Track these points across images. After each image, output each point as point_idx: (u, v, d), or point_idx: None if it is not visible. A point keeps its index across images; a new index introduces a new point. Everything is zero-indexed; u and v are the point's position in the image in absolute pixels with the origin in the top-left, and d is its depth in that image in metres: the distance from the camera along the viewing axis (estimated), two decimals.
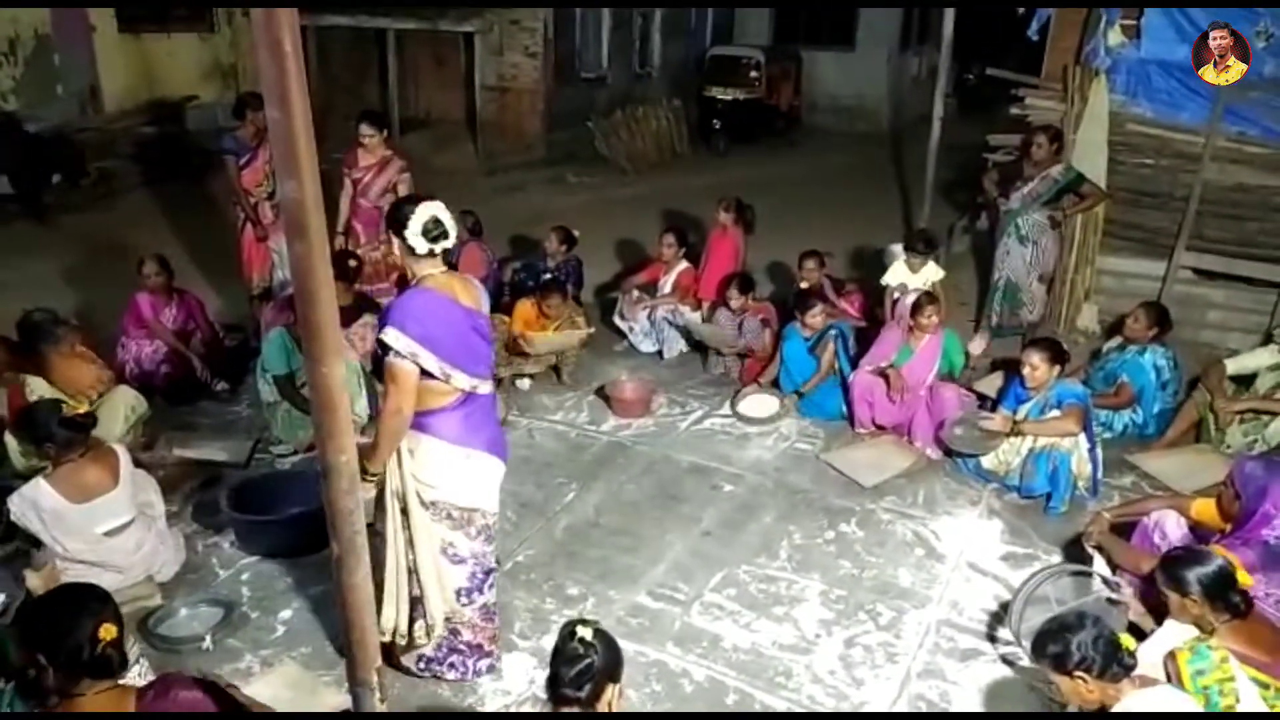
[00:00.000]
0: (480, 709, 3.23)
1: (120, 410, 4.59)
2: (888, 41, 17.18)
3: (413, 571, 3.01)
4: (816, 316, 5.66)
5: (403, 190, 6.01)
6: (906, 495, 4.72)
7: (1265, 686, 2.62)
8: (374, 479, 2.93)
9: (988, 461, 4.78)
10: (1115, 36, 6.56)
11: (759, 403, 5.61)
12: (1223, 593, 2.75)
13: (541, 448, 5.15)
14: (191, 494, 4.49)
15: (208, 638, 3.44)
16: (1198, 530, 3.57)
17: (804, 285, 6.26)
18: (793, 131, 16.08)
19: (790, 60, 16.33)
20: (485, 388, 3.04)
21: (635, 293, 6.66)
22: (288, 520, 4.04)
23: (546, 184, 11.90)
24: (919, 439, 5.11)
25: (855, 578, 4.04)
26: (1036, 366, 4.62)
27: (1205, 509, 3.55)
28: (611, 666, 2.15)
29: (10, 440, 4.16)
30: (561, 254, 6.66)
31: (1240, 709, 2.46)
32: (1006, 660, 3.52)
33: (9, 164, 8.96)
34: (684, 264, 6.67)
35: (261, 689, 3.02)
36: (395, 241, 2.94)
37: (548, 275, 6.45)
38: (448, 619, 3.14)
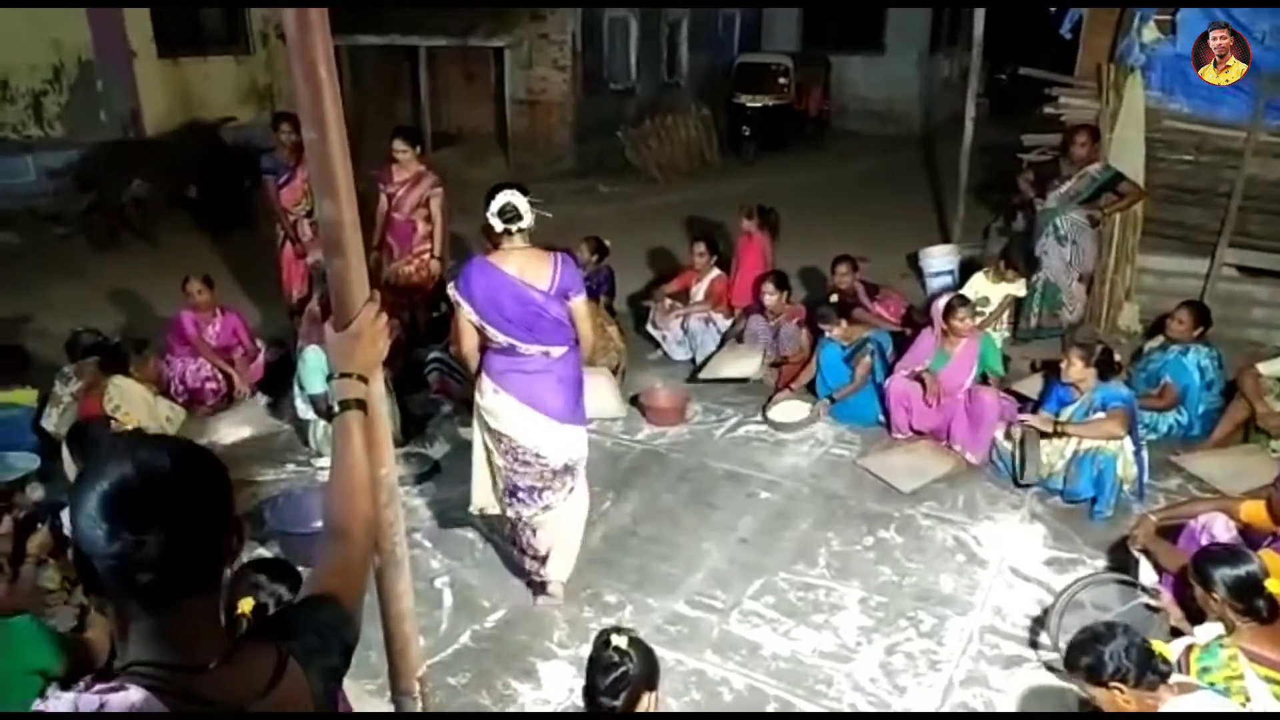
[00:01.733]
0: None
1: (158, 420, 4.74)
2: (918, 44, 17.05)
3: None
4: (834, 329, 5.63)
5: (435, 205, 6.08)
6: (946, 500, 4.67)
7: (1278, 684, 2.57)
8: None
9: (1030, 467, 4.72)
10: (1150, 33, 6.46)
11: (790, 409, 5.60)
12: (1247, 595, 2.72)
13: None
14: (237, 507, 4.56)
15: None
16: (1248, 533, 3.49)
17: (837, 290, 6.24)
18: (822, 137, 16.01)
19: (819, 65, 16.27)
20: (526, 349, 3.49)
21: (667, 301, 6.67)
22: None
23: (577, 195, 11.95)
24: (958, 443, 5.05)
25: (895, 584, 4.00)
26: (1073, 363, 4.59)
27: (1255, 511, 3.47)
28: (648, 675, 2.15)
29: (66, 454, 4.28)
30: (593, 264, 6.69)
31: (1252, 707, 2.43)
32: (1050, 668, 3.46)
33: (203, 172, 9.58)
34: (716, 271, 6.67)
35: None
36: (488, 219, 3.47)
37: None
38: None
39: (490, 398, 3.60)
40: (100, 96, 10.22)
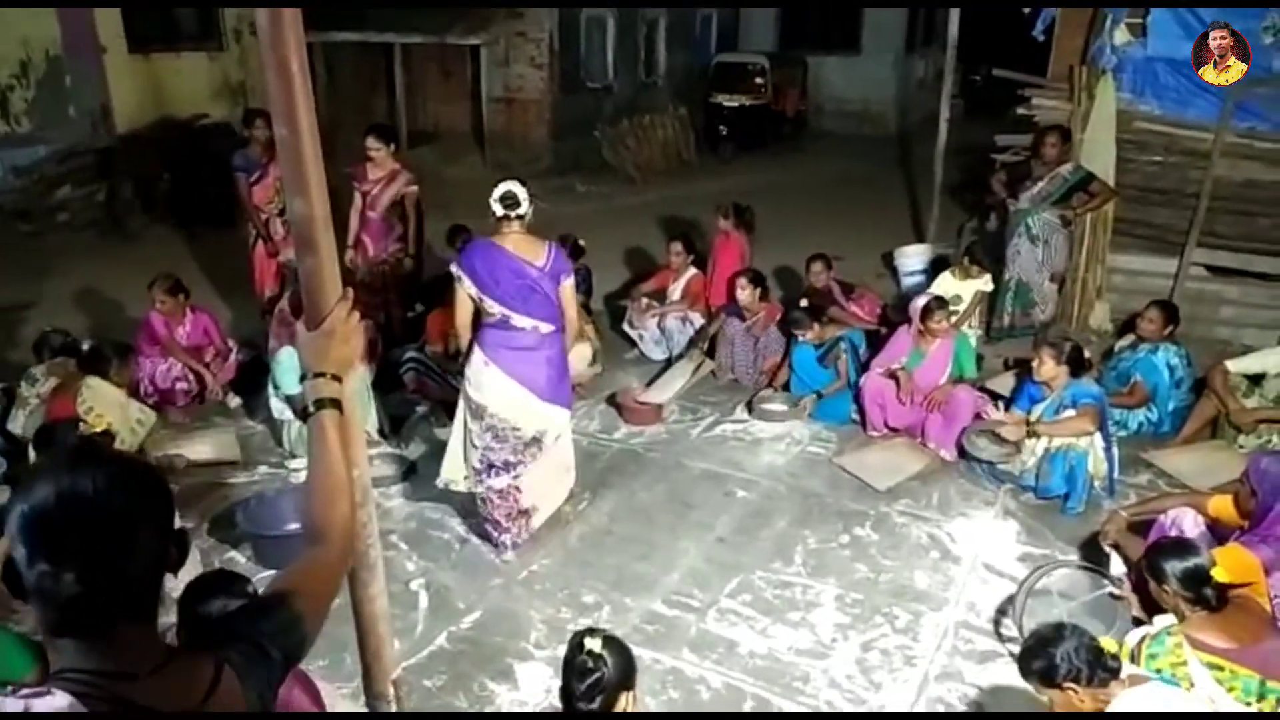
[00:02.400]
0: None
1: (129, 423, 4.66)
2: (893, 45, 17.17)
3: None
4: (808, 333, 5.66)
5: (409, 203, 6.04)
6: (921, 498, 4.71)
7: (1220, 669, 2.64)
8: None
9: (1005, 464, 4.76)
10: (1121, 35, 6.55)
11: (775, 401, 5.65)
12: (1195, 586, 2.80)
13: None
14: (207, 509, 4.52)
15: None
16: (1216, 528, 3.55)
17: (812, 289, 6.27)
18: (799, 137, 16.08)
19: (796, 66, 16.34)
20: (519, 321, 3.85)
21: (644, 300, 6.67)
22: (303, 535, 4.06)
23: (554, 193, 11.90)
24: (932, 440, 5.09)
25: (871, 581, 4.02)
26: (1044, 361, 4.64)
27: (1223, 506, 3.53)
28: (624, 676, 2.15)
29: (34, 457, 4.23)
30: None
31: (1195, 691, 2.49)
32: (1016, 658, 3.48)
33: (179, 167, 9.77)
34: (693, 271, 6.68)
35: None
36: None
37: None
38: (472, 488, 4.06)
39: (479, 369, 3.90)
40: (69, 92, 10.06)
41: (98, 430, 3.72)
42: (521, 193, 3.83)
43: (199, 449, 5.00)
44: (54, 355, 5.08)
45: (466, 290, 3.90)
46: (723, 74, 15.14)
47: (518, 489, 4.08)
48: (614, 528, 4.44)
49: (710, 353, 6.28)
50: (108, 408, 4.62)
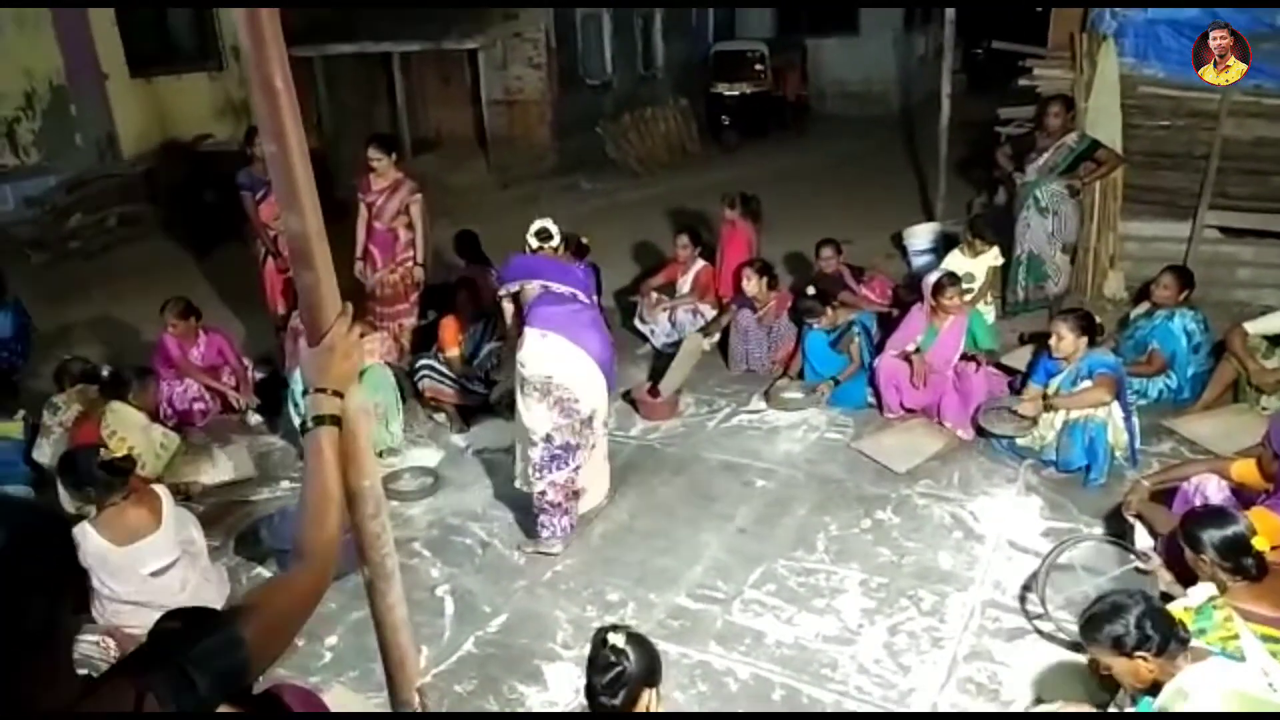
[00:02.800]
0: None
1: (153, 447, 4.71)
2: (892, 24, 17.07)
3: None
4: (820, 321, 5.64)
5: (415, 211, 6.05)
6: (941, 478, 4.69)
7: (1276, 641, 2.58)
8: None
9: (1023, 438, 4.73)
10: (1121, 6, 6.47)
11: (791, 389, 5.64)
12: (1234, 555, 2.75)
13: None
14: (232, 528, 4.56)
15: None
16: (1240, 492, 3.51)
17: (821, 275, 6.24)
18: (802, 121, 16.02)
19: (795, 50, 16.27)
20: (558, 288, 4.11)
21: (654, 295, 6.67)
22: None
23: (560, 193, 11.94)
24: (949, 420, 5.06)
25: (895, 565, 4.01)
26: (1063, 336, 4.58)
27: (1246, 470, 3.50)
28: (647, 672, 2.14)
29: (60, 484, 4.28)
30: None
31: (1247, 665, 2.41)
32: (1048, 637, 3.47)
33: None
34: (701, 263, 6.67)
35: None
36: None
37: None
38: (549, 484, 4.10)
39: (537, 343, 4.01)
40: (75, 120, 10.15)
41: (119, 455, 3.75)
42: (553, 228, 4.33)
43: (214, 472, 5.01)
44: (75, 383, 5.13)
45: (508, 291, 4.18)
46: (722, 63, 15.09)
47: (576, 474, 4.16)
48: (635, 524, 4.45)
49: (723, 345, 6.28)
50: (130, 431, 4.68)
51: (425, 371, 5.61)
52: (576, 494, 4.23)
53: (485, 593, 3.98)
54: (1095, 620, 2.48)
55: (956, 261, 6.17)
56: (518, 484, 4.29)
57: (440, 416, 5.61)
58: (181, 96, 11.21)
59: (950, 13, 8.09)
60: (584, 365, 4.07)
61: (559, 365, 4.01)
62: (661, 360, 6.37)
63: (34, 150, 9.87)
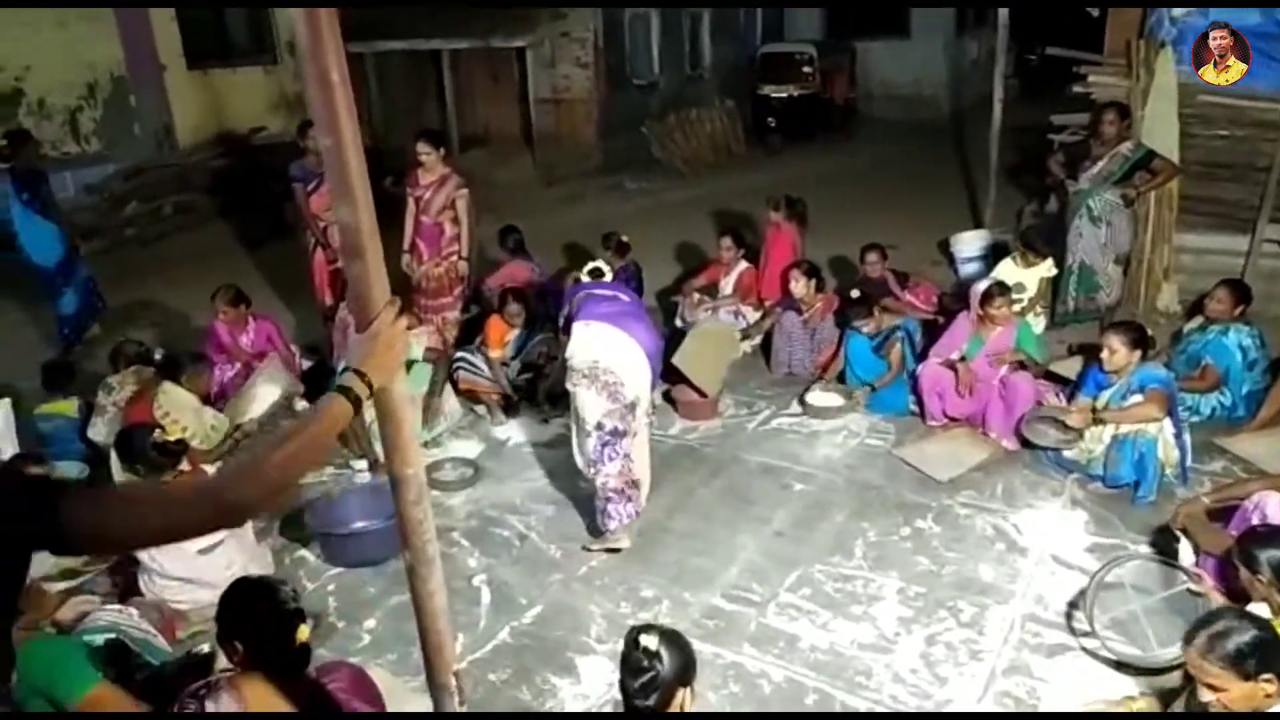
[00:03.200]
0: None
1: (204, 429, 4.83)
2: (944, 27, 16.86)
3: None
4: (866, 326, 5.59)
5: (461, 206, 6.11)
6: (984, 488, 4.62)
7: None
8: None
9: (1070, 450, 4.65)
10: (1180, 6, 6.33)
11: (827, 397, 5.59)
12: None
13: None
14: (278, 510, 4.63)
15: None
16: None
17: (865, 280, 6.18)
18: (849, 124, 15.89)
19: (843, 53, 16.15)
20: (600, 290, 4.33)
21: (696, 295, 6.66)
22: (369, 532, 4.16)
23: (604, 192, 11.98)
24: (994, 430, 4.99)
25: (934, 574, 3.96)
26: (1115, 350, 4.48)
27: None
28: (680, 672, 2.11)
29: (115, 459, 4.41)
30: (616, 262, 6.70)
31: None
32: (1092, 654, 3.41)
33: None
34: (744, 264, 6.65)
35: None
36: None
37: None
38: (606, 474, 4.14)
39: (581, 333, 4.12)
40: (134, 111, 10.42)
41: (174, 438, 3.84)
42: (606, 269, 4.56)
43: (259, 403, 5.31)
44: (129, 364, 5.26)
45: (565, 317, 4.35)
46: (769, 64, 15.02)
47: (630, 461, 4.17)
48: (671, 523, 4.45)
49: (765, 347, 6.26)
50: (182, 412, 4.79)
51: (461, 364, 5.67)
52: (635, 483, 4.22)
53: (521, 584, 4.01)
54: (1221, 637, 2.27)
55: (1008, 271, 6.07)
56: (588, 473, 4.25)
57: (481, 409, 5.66)
58: (236, 89, 11.45)
59: (1004, 17, 7.97)
60: (629, 351, 4.10)
61: (604, 351, 4.07)
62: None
63: (94, 139, 10.14)
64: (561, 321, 4.40)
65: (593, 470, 4.13)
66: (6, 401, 4.67)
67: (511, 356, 5.75)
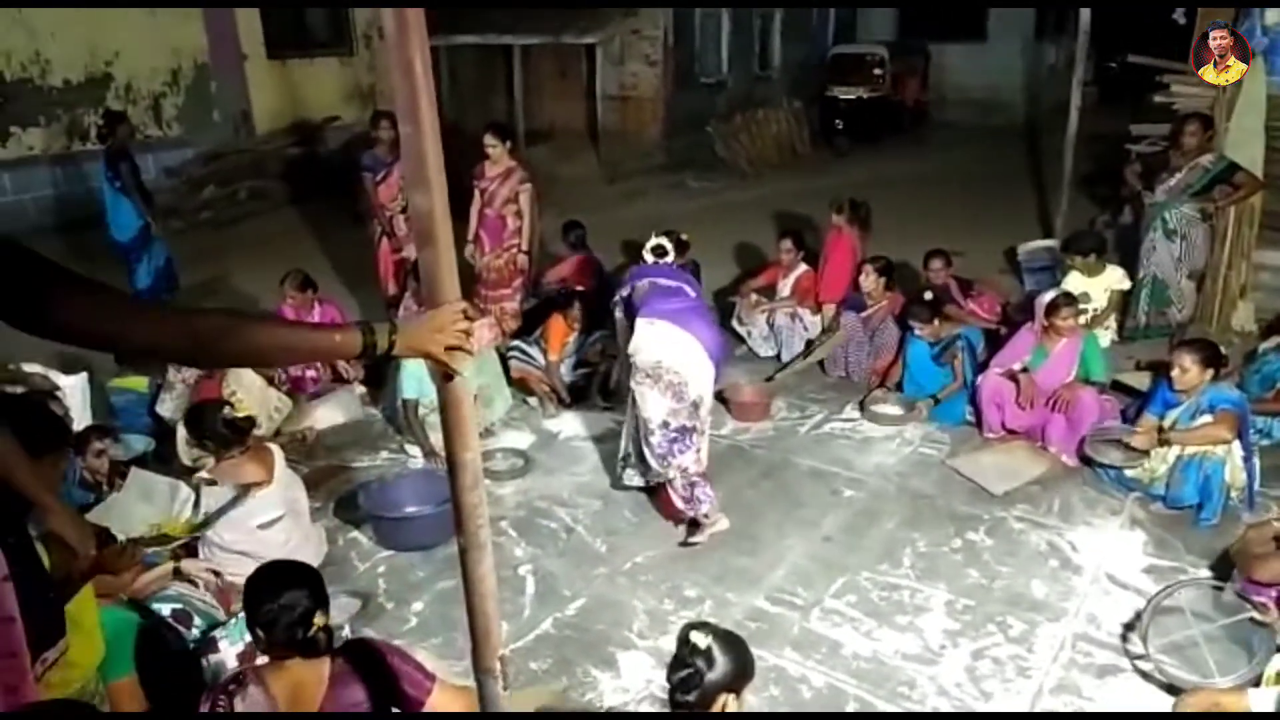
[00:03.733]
0: (599, 705, 3.29)
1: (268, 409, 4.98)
2: (1022, 31, 16.49)
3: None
4: (925, 328, 5.50)
5: (524, 200, 6.19)
6: (1040, 503, 4.52)
7: None
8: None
9: (1131, 469, 4.53)
10: (1273, 15, 6.09)
11: (888, 406, 5.54)
12: None
13: None
14: (333, 491, 4.77)
15: (346, 627, 3.64)
16: None
17: (930, 286, 6.09)
18: (920, 128, 15.65)
19: (917, 55, 15.91)
20: (666, 282, 4.29)
21: (753, 296, 6.64)
22: (420, 517, 4.25)
23: (666, 189, 11.99)
24: (1054, 444, 4.88)
25: (984, 588, 3.90)
26: (1187, 369, 4.34)
27: None
28: (729, 677, 2.05)
29: (182, 434, 4.59)
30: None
31: None
32: (1145, 676, 3.32)
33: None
34: (803, 267, 6.61)
35: None
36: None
37: None
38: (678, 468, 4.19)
39: (645, 332, 4.14)
40: (214, 98, 10.77)
41: (242, 415, 3.97)
42: (669, 245, 4.49)
43: (325, 416, 5.46)
44: None
45: (623, 296, 4.36)
46: (840, 66, 14.86)
47: (699, 456, 4.24)
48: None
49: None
50: (248, 392, 4.95)
51: (516, 353, 5.73)
52: (704, 475, 4.28)
53: (566, 576, 4.05)
54: None
55: (1074, 281, 5.93)
56: (657, 467, 4.24)
57: (533, 400, 5.73)
58: (313, 79, 11.75)
59: (1085, 22, 7.77)
60: (693, 351, 4.13)
61: (668, 350, 4.11)
62: (757, 363, 6.36)
63: (175, 124, 10.51)
64: (618, 298, 4.40)
65: (663, 466, 4.17)
66: (83, 375, 4.86)
67: (569, 356, 5.80)
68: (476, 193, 6.23)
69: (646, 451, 4.24)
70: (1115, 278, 5.90)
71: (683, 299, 4.26)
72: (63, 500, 2.12)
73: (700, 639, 2.07)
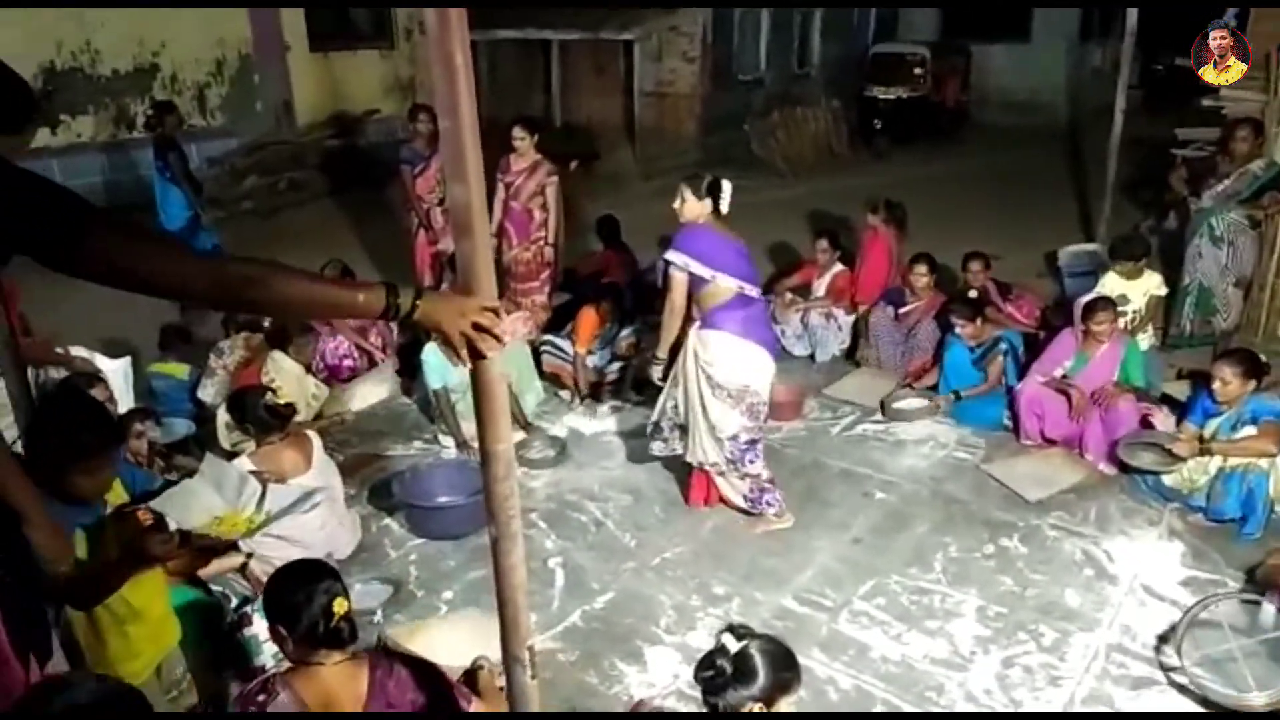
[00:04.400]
0: (625, 699, 3.30)
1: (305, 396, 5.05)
2: (1066, 32, 16.21)
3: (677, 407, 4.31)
4: (967, 325, 5.44)
5: (550, 193, 6.22)
6: (1076, 511, 4.46)
7: None
8: (660, 362, 4.28)
9: (1170, 479, 4.44)
10: None
11: (909, 400, 5.51)
12: None
13: None
14: (366, 479, 4.82)
15: (379, 612, 3.69)
16: None
17: (971, 291, 6.02)
18: (959, 129, 15.43)
19: (958, 55, 15.69)
20: (751, 291, 4.11)
21: (788, 295, 6.61)
22: (453, 507, 4.29)
23: None
24: (1091, 452, 4.81)
25: (1016, 595, 3.85)
26: (1228, 381, 4.26)
27: None
28: (762, 690, 1.98)
29: (222, 419, 4.67)
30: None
31: None
32: (1180, 689, 3.26)
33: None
34: (839, 266, 6.57)
35: (444, 632, 3.21)
36: (689, 196, 4.13)
37: None
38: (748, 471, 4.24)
39: (738, 350, 4.07)
40: (257, 89, 10.91)
41: (284, 402, 4.02)
42: (728, 186, 4.22)
43: (362, 396, 5.60)
44: (239, 330, 5.54)
45: (692, 273, 4.03)
46: (879, 65, 14.71)
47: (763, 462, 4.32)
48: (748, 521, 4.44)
49: (852, 350, 6.20)
50: (287, 380, 5.02)
51: (548, 348, 5.76)
52: (773, 481, 4.37)
53: (595, 569, 4.06)
54: None
55: (1111, 283, 5.79)
56: (722, 468, 4.29)
57: (564, 394, 5.75)
58: (354, 72, 11.87)
59: (1131, 24, 7.63)
60: (770, 369, 4.22)
61: (757, 376, 4.14)
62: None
63: (219, 114, 10.66)
64: (679, 258, 4.02)
65: (733, 470, 4.25)
66: (127, 359, 4.96)
67: (599, 349, 5.80)
68: (500, 186, 6.23)
69: (698, 448, 4.25)
70: (1154, 283, 5.74)
71: (759, 303, 4.25)
72: (44, 508, 2.10)
73: (731, 642, 2.01)
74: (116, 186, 9.52)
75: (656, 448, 4.49)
